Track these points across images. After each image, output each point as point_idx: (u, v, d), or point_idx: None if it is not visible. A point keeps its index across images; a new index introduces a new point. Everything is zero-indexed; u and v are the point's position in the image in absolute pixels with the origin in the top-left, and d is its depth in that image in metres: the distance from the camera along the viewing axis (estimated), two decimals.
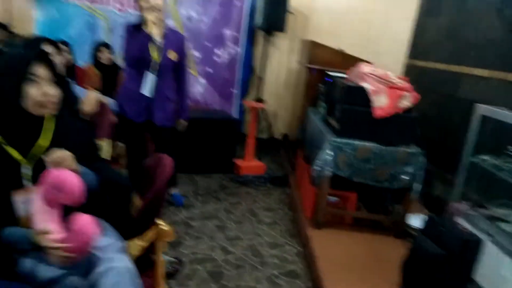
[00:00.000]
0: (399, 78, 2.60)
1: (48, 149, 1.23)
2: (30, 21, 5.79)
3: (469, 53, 3.03)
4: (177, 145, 2.66)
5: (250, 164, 3.74)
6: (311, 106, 3.48)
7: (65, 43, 3.08)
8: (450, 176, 2.79)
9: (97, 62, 3.42)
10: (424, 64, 3.80)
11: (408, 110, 2.50)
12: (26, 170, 1.20)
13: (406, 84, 2.56)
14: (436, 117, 3.35)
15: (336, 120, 2.62)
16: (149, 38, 2.27)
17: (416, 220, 2.51)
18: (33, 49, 1.68)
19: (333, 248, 2.37)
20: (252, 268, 2.26)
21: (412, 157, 2.45)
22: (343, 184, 2.69)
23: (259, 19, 3.87)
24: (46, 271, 1.17)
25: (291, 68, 4.41)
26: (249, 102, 4.13)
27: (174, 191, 2.94)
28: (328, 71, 3.35)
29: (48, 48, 1.86)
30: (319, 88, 3.40)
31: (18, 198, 1.17)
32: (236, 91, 4.47)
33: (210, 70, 4.48)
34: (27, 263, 1.19)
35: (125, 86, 2.47)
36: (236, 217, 2.87)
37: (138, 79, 2.35)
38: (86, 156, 1.31)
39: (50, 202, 1.13)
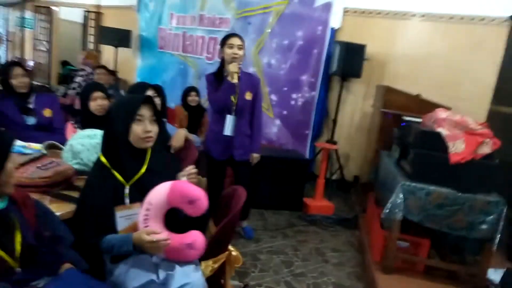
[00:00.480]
0: (479, 124, 2.53)
1: (143, 175, 1.49)
2: (133, 68, 6.73)
3: None
4: (253, 180, 2.86)
5: (319, 203, 3.78)
6: (384, 149, 3.46)
7: (159, 87, 3.55)
8: None
9: (185, 104, 3.84)
10: (509, 110, 3.58)
11: (488, 157, 2.39)
12: (127, 190, 1.46)
13: (486, 130, 2.47)
14: None
15: (410, 163, 2.60)
16: (232, 87, 2.52)
17: (497, 275, 2.31)
18: (140, 94, 2.04)
19: None
20: None
21: (492, 205, 2.31)
22: (416, 230, 2.62)
23: (335, 66, 4.04)
24: (135, 279, 1.37)
25: (365, 112, 4.45)
26: (321, 143, 4.22)
27: (245, 224, 3.09)
28: (404, 115, 3.34)
29: (150, 92, 2.22)
30: (393, 132, 3.39)
31: (119, 213, 1.42)
32: (309, 132, 4.61)
33: (285, 112, 4.72)
34: (119, 271, 1.41)
35: (211, 129, 2.77)
36: (302, 255, 2.91)
37: (221, 122, 2.61)
38: None
39: (168, 205, 1.35)
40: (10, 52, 9.51)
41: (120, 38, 6.28)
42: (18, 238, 1.06)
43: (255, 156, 2.78)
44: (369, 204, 3.53)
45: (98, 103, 2.23)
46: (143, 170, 1.49)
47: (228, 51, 2.53)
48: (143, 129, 1.43)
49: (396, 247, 2.53)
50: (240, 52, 2.54)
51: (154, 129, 1.47)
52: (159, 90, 2.34)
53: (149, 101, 1.48)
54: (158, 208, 1.35)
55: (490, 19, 3.88)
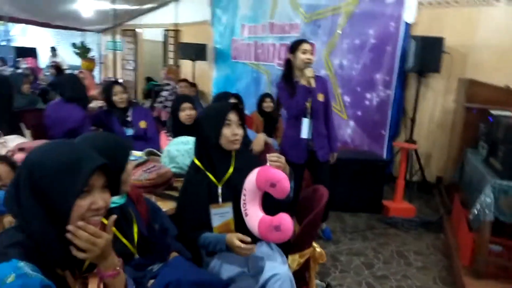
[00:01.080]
0: None
1: (232, 174, 1.64)
2: (210, 79, 7.15)
3: None
4: (331, 182, 2.88)
5: (399, 206, 3.66)
6: (469, 147, 3.26)
7: (238, 95, 3.75)
8: None
9: (260, 110, 4.01)
10: None
11: None
12: (220, 190, 1.62)
13: None
14: None
15: (500, 161, 2.44)
16: (309, 92, 2.58)
17: None
18: (224, 101, 2.23)
19: None
20: None
21: None
22: (510, 233, 2.44)
23: (411, 62, 3.90)
24: (228, 271, 1.53)
25: (446, 108, 4.21)
26: (399, 143, 4.09)
27: (324, 226, 3.13)
28: (491, 109, 3.12)
29: (232, 100, 2.41)
30: (479, 128, 3.18)
31: (214, 211, 1.59)
32: (386, 132, 4.49)
33: (360, 112, 4.66)
34: (214, 263, 1.58)
35: (286, 134, 2.86)
36: (384, 257, 2.86)
37: (298, 126, 2.69)
38: None
39: (259, 190, 1.48)
40: (103, 73, 10.67)
41: (197, 52, 6.72)
42: (135, 229, 1.27)
43: (334, 154, 2.83)
44: (454, 206, 3.34)
45: (187, 113, 2.47)
46: (231, 170, 1.65)
47: (301, 56, 2.59)
48: (231, 132, 1.59)
49: (488, 250, 2.38)
50: (313, 57, 2.64)
51: (240, 132, 1.62)
52: (239, 98, 2.52)
53: (235, 107, 1.63)
54: (252, 193, 1.48)
55: None
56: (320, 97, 2.69)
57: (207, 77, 7.21)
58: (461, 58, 4.04)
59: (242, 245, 1.45)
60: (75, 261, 0.89)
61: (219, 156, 1.63)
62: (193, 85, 5.49)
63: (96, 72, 9.81)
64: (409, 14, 4.20)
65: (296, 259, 1.56)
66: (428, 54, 3.76)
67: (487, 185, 2.31)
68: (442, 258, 2.88)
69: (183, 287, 1.13)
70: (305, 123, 2.68)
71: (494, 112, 2.97)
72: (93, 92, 4.63)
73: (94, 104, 3.59)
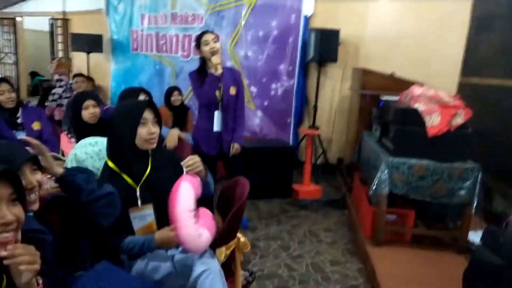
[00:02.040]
0: (451, 96, 2.71)
1: (149, 174, 1.58)
2: (107, 73, 6.65)
3: None
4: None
5: (307, 188, 3.93)
6: (365, 130, 3.63)
7: (147, 91, 3.55)
8: (511, 190, 2.77)
9: (169, 104, 3.89)
10: (478, 81, 3.81)
11: (462, 127, 2.58)
12: (138, 192, 1.54)
13: (458, 102, 2.66)
14: (494, 132, 3.34)
15: (391, 141, 2.76)
16: (217, 80, 2.58)
17: (477, 236, 2.52)
18: (133, 98, 2.10)
19: (393, 264, 2.46)
20: (316, 284, 2.42)
21: (468, 172, 2.51)
22: (401, 202, 2.80)
23: (312, 52, 4.16)
24: (154, 272, 1.48)
25: (344, 95, 4.61)
26: (304, 129, 4.37)
27: None
28: (381, 95, 3.51)
29: (142, 96, 2.28)
30: (372, 112, 3.56)
31: (133, 214, 1.51)
32: (291, 120, 4.74)
33: (266, 102, 4.84)
34: (138, 265, 1.51)
35: (198, 125, 2.84)
36: (298, 238, 3.05)
37: (209, 118, 2.69)
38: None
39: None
40: None
41: (91, 43, 6.19)
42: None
43: (236, 146, 2.80)
44: (354, 184, 3.71)
45: (90, 112, 2.27)
46: (148, 170, 1.58)
47: (205, 48, 2.57)
48: (147, 131, 1.52)
49: (385, 220, 2.70)
50: (217, 45, 2.57)
51: (156, 130, 1.56)
52: (148, 93, 2.40)
53: (150, 104, 1.56)
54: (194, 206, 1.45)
55: None
56: (232, 90, 2.71)
57: (104, 70, 6.69)
58: (355, 48, 4.45)
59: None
60: None
61: (134, 157, 1.55)
62: (89, 79, 5.07)
63: None
64: (307, 7, 4.47)
65: (223, 252, 1.58)
66: (326, 45, 4.05)
67: (382, 163, 2.61)
68: (348, 232, 3.19)
69: None
70: (217, 115, 2.69)
71: (384, 97, 3.35)
72: None
73: None
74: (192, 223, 1.39)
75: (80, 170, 1.39)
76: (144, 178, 1.57)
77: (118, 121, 1.53)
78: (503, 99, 3.29)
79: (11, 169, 0.85)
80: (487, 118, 3.40)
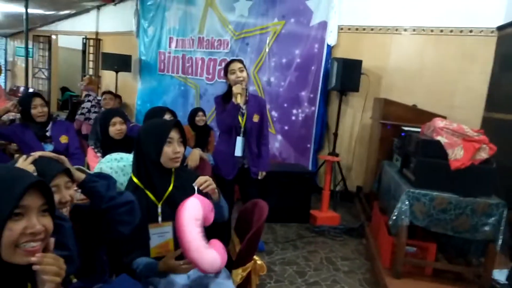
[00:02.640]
0: (474, 130, 2.68)
1: (171, 192, 1.61)
2: (133, 91, 6.89)
3: None
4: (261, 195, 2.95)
5: (325, 215, 3.89)
6: (385, 159, 3.61)
7: (173, 111, 3.65)
8: None
9: (192, 124, 3.98)
10: (502, 116, 3.76)
11: (486, 162, 2.54)
12: (160, 209, 1.58)
13: (482, 137, 2.62)
14: None
15: (412, 172, 2.73)
16: (236, 108, 2.60)
17: (501, 275, 2.43)
18: (159, 117, 2.17)
19: None
20: None
21: (493, 208, 2.44)
22: (422, 235, 2.74)
23: (333, 81, 4.21)
24: (170, 287, 1.48)
25: (365, 124, 4.61)
26: (324, 156, 4.36)
27: None
28: (402, 126, 3.51)
29: (167, 116, 2.37)
30: (393, 142, 3.54)
31: (153, 230, 1.53)
32: (311, 146, 4.76)
33: (287, 127, 4.88)
34: (155, 280, 1.52)
35: (218, 149, 2.87)
36: (314, 264, 3.01)
37: (230, 142, 2.72)
38: None
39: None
40: (9, 81, 9.66)
41: (120, 62, 6.46)
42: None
43: (264, 174, 2.88)
44: (374, 213, 3.65)
45: (117, 128, 2.36)
46: (170, 188, 1.62)
47: (231, 77, 2.65)
48: (173, 150, 1.56)
49: (405, 252, 2.64)
50: (243, 74, 2.63)
51: (181, 150, 1.60)
52: (174, 114, 2.48)
53: (177, 124, 1.61)
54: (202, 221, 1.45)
55: (478, 30, 4.11)
56: (255, 118, 2.74)
57: (131, 89, 6.94)
58: (377, 79, 4.49)
59: (181, 262, 1.42)
60: None
61: (158, 174, 1.59)
62: (117, 96, 5.25)
63: (1, 80, 8.84)
64: (331, 37, 4.56)
65: (239, 273, 1.58)
66: (348, 74, 4.10)
67: (403, 194, 2.58)
68: (365, 262, 3.12)
69: None
70: (239, 141, 2.71)
71: (405, 127, 3.34)
72: (3, 103, 4.17)
73: (6, 117, 3.24)
74: (199, 234, 1.39)
75: (102, 177, 1.40)
76: (166, 195, 1.60)
77: (145, 139, 1.58)
78: None
79: (44, 181, 0.88)
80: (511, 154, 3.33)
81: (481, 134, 2.65)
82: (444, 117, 3.12)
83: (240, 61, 2.71)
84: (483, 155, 2.54)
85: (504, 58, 3.98)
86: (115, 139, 2.39)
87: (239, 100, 2.60)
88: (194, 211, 1.41)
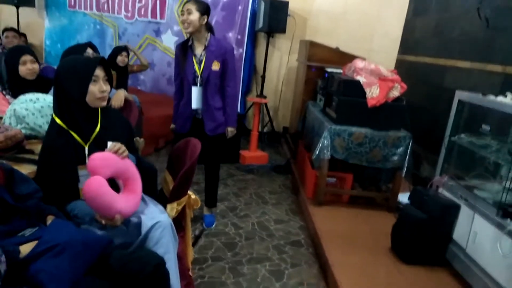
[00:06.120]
0: (389, 71, 2.92)
1: (98, 133, 1.55)
2: (40, 30, 6.11)
3: (453, 47, 3.35)
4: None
5: (254, 154, 4.05)
6: (309, 100, 3.79)
7: (95, 46, 3.32)
8: (436, 157, 3.10)
9: (113, 63, 3.71)
10: (413, 58, 4.12)
11: (397, 99, 2.81)
12: (87, 151, 1.51)
13: (395, 76, 2.87)
14: (424, 105, 3.67)
15: (334, 110, 2.93)
16: (191, 53, 2.39)
17: (405, 197, 2.81)
18: (80, 54, 1.99)
19: (332, 222, 2.68)
20: (261, 240, 2.56)
21: (401, 139, 2.76)
22: (340, 167, 3.01)
23: (261, 22, 4.17)
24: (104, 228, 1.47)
25: (291, 67, 4.72)
26: (253, 98, 4.43)
27: (207, 212, 2.80)
28: (326, 67, 3.66)
29: (89, 51, 2.17)
30: (317, 83, 3.71)
31: (82, 172, 1.48)
32: (239, 88, 4.77)
33: None
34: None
35: (177, 103, 2.58)
36: (244, 200, 3.18)
37: (186, 93, 2.48)
38: (126, 142, 1.61)
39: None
40: None
41: None
42: None
43: (230, 130, 2.58)
44: (298, 151, 3.89)
45: (28, 67, 2.12)
46: (98, 128, 1.55)
47: (182, 19, 2.35)
48: (99, 89, 1.47)
49: (326, 183, 2.90)
50: (190, 17, 2.31)
51: (108, 88, 1.51)
52: (96, 49, 2.28)
53: (102, 62, 1.51)
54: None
55: None
56: (215, 66, 2.43)
57: (36, 27, 6.11)
58: (303, 21, 4.54)
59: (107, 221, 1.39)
60: None
61: (84, 115, 1.50)
62: (22, 35, 4.64)
63: None
64: None
65: (174, 207, 1.62)
66: (275, 15, 4.08)
67: (325, 130, 2.77)
68: (291, 195, 3.37)
69: (74, 247, 1.07)
70: (194, 91, 2.44)
71: (329, 69, 3.50)
72: None
73: None
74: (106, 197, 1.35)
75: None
76: (93, 136, 1.53)
77: (66, 77, 1.45)
78: (433, 76, 3.60)
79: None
80: (419, 92, 3.72)
81: (394, 74, 2.90)
82: (364, 59, 3.32)
83: (191, 2, 2.32)
84: (395, 93, 2.80)
85: (416, 4, 4.27)
86: (27, 80, 2.16)
87: (193, 43, 2.41)
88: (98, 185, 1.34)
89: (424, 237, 2.14)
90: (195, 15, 2.31)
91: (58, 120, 1.49)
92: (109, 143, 1.49)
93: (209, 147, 2.58)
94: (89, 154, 1.51)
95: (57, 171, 1.44)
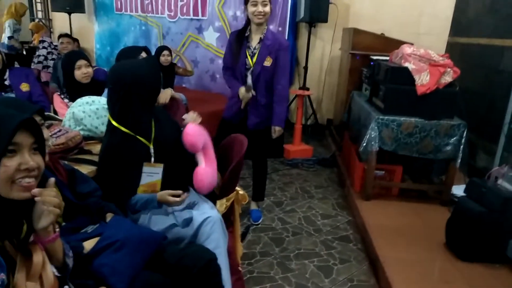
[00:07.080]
0: (440, 55, 2.76)
1: (155, 133, 1.62)
2: (90, 34, 6.44)
3: (511, 26, 3.10)
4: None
5: (298, 148, 4.02)
6: (354, 90, 3.68)
7: (148, 48, 3.41)
8: (494, 146, 2.90)
9: None
10: (466, 40, 3.86)
11: (450, 85, 2.65)
12: (152, 150, 1.59)
13: (447, 61, 2.71)
14: (480, 90, 3.43)
15: (381, 99, 2.83)
16: (246, 44, 2.34)
17: (460, 190, 2.66)
18: (133, 58, 2.09)
19: (382, 216, 2.60)
20: (308, 235, 2.55)
21: (455, 129, 2.61)
22: (389, 159, 2.91)
23: (302, 12, 4.10)
24: (158, 224, 1.55)
25: (334, 56, 4.61)
26: (295, 90, 4.39)
27: (254, 206, 2.79)
28: (371, 55, 3.54)
29: (143, 54, 2.27)
30: (362, 72, 3.60)
31: (145, 169, 1.55)
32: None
33: None
34: (142, 219, 1.58)
35: (230, 90, 2.56)
36: (290, 194, 3.17)
37: (238, 85, 2.43)
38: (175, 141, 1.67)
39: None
40: None
41: (73, 2, 5.93)
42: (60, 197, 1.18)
43: (278, 129, 2.49)
44: (344, 143, 3.81)
45: (83, 71, 2.25)
46: (153, 127, 1.62)
47: (251, 9, 2.27)
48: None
49: (374, 176, 2.82)
50: (265, 9, 2.25)
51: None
52: (150, 52, 2.36)
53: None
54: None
55: None
56: (267, 62, 2.35)
57: (87, 32, 6.46)
58: (345, 8, 4.41)
59: (176, 199, 1.52)
60: (13, 230, 0.83)
61: (145, 117, 1.58)
62: (75, 40, 4.91)
63: None
64: None
65: (223, 203, 1.66)
66: (316, 4, 3.99)
67: (372, 121, 2.69)
68: (338, 188, 3.32)
69: (132, 243, 1.13)
70: (249, 79, 2.39)
71: (374, 57, 3.38)
72: None
73: None
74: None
75: None
76: (153, 136, 1.61)
77: (136, 81, 1.49)
78: (489, 58, 3.36)
79: (35, 119, 0.87)
80: (473, 76, 3.49)
81: (446, 58, 2.74)
82: (412, 44, 3.16)
83: None
84: (448, 78, 2.65)
85: None
86: (82, 83, 2.29)
87: (250, 35, 2.37)
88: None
89: (483, 232, 2.02)
90: (269, 7, 2.28)
91: (122, 128, 1.54)
92: (186, 115, 1.72)
93: (253, 142, 2.50)
94: (154, 152, 1.60)
95: (124, 171, 1.53)
